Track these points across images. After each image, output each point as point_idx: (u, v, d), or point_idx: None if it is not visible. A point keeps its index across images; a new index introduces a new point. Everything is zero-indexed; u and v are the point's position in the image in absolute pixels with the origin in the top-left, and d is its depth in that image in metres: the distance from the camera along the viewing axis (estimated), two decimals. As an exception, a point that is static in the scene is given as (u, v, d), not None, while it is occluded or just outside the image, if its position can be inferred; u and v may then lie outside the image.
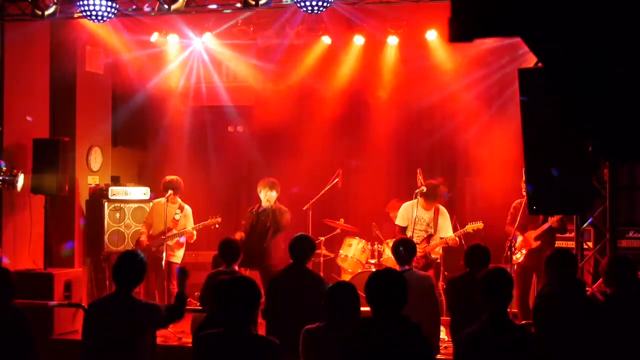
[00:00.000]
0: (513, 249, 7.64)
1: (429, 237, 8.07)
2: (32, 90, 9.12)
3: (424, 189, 8.09)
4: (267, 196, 8.11)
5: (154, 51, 10.10)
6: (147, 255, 8.47)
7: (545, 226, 7.58)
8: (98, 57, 9.88)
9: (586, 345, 4.68)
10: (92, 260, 9.57)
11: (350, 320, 4.14)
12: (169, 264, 8.46)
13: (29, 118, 8.82)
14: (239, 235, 8.10)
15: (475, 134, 9.76)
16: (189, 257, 9.71)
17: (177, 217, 8.52)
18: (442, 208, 8.23)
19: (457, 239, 8.10)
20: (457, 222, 8.62)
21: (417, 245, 7.86)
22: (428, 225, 8.11)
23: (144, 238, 8.58)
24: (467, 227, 8.08)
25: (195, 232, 8.58)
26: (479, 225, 8.03)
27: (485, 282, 4.04)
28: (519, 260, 7.68)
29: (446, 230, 8.13)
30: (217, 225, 8.61)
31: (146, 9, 8.18)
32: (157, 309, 4.58)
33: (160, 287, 8.50)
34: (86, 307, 5.40)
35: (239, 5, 7.92)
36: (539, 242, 7.60)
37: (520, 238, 7.68)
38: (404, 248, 6.12)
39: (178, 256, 8.63)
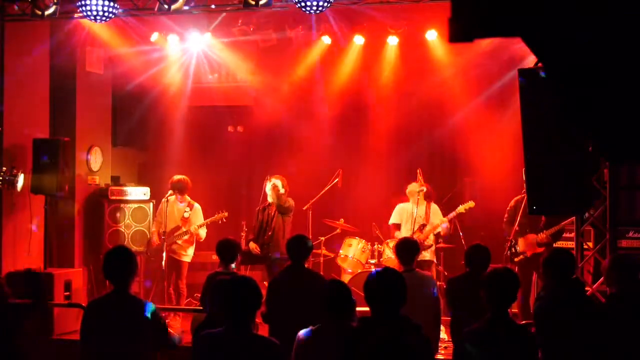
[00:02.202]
0: (513, 249, 7.64)
1: (422, 227, 8.39)
2: (32, 90, 9.12)
3: (424, 189, 8.22)
4: (271, 184, 8.19)
5: (154, 51, 10.10)
6: (160, 254, 8.54)
7: (545, 240, 7.58)
8: (98, 57, 9.88)
9: (587, 345, 4.67)
10: (92, 260, 9.57)
11: (344, 321, 4.15)
12: (180, 262, 8.54)
13: None
14: (252, 245, 8.21)
15: (475, 134, 9.76)
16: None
17: (186, 214, 8.65)
18: (433, 205, 8.61)
19: (442, 225, 8.37)
20: (457, 222, 8.66)
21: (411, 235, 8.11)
22: (421, 218, 8.45)
23: (155, 238, 8.65)
24: (458, 208, 8.35)
25: (201, 232, 8.65)
26: (470, 204, 8.32)
27: (489, 281, 4.04)
28: (521, 261, 7.67)
29: (437, 221, 8.47)
30: (224, 220, 8.66)
31: (146, 9, 8.18)
32: (157, 316, 4.44)
33: (161, 286, 8.55)
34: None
35: (239, 5, 7.91)
36: (542, 249, 7.59)
37: (521, 240, 7.66)
38: (407, 248, 6.12)
39: (189, 254, 8.71)
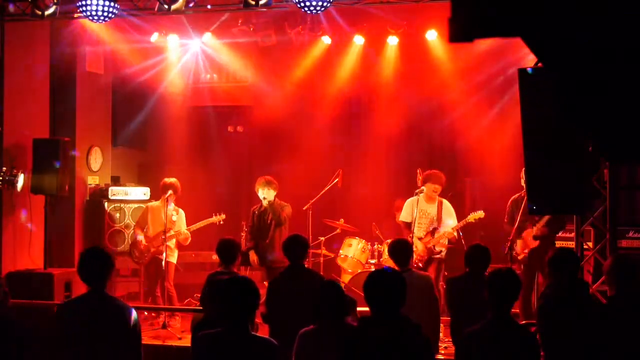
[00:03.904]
0: (513, 251, 7.64)
1: (433, 231, 8.13)
2: (32, 91, 9.12)
3: (424, 189, 8.16)
4: (265, 194, 8.14)
5: (154, 51, 10.10)
6: (147, 256, 8.55)
7: (543, 222, 7.56)
8: (98, 57, 9.88)
9: (588, 346, 4.67)
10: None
11: (343, 320, 4.15)
12: (167, 263, 8.48)
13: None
14: (253, 257, 8.16)
15: (476, 133, 9.76)
16: (189, 257, 9.71)
17: (174, 218, 8.56)
18: (445, 202, 8.28)
19: (454, 233, 8.13)
20: (458, 222, 8.65)
21: (421, 239, 7.99)
22: (432, 220, 8.20)
23: (141, 239, 8.60)
24: (468, 217, 8.11)
25: (189, 235, 8.62)
26: (480, 214, 8.05)
27: (490, 281, 4.04)
28: (522, 260, 7.67)
29: (450, 224, 8.18)
30: (221, 222, 8.64)
31: (146, 9, 8.18)
32: (130, 317, 4.29)
33: (161, 287, 8.51)
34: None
35: (239, 5, 7.91)
36: (537, 242, 7.60)
37: (519, 240, 7.65)
38: (401, 249, 6.11)
39: (175, 256, 8.67)
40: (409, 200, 8.36)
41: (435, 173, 8.25)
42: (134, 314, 4.33)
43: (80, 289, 8.67)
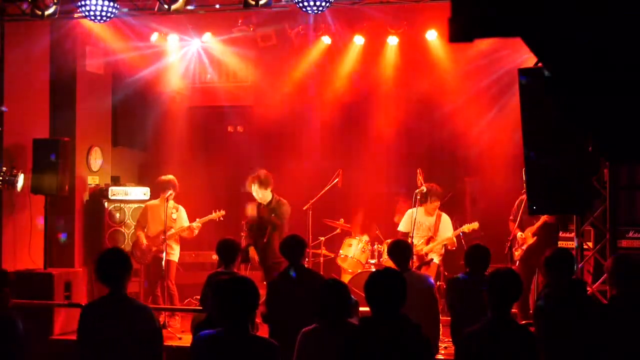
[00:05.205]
0: (514, 248, 7.66)
1: (429, 240, 8.30)
2: (32, 90, 9.12)
3: (424, 189, 8.18)
4: (259, 193, 8.11)
5: (154, 51, 10.10)
6: (149, 256, 8.56)
7: (540, 222, 7.59)
8: (98, 57, 9.87)
9: (587, 345, 4.67)
10: (92, 260, 9.55)
11: (344, 320, 4.15)
12: (168, 262, 8.49)
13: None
14: (252, 253, 8.14)
15: (476, 133, 9.76)
16: (189, 257, 9.71)
17: (174, 216, 8.58)
18: (444, 215, 8.45)
19: (454, 239, 8.24)
20: (457, 222, 8.66)
21: (416, 246, 8.05)
22: (429, 229, 8.35)
23: (143, 239, 8.60)
24: (463, 227, 8.25)
25: (196, 228, 8.62)
26: (474, 225, 8.23)
27: (490, 281, 4.05)
28: (519, 258, 7.69)
29: (446, 235, 8.34)
30: (221, 218, 8.64)
31: (146, 9, 8.18)
32: (152, 318, 4.36)
33: (162, 287, 8.52)
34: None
35: (239, 5, 7.91)
36: (535, 238, 7.62)
37: (519, 234, 7.70)
38: (401, 250, 6.12)
39: (176, 254, 8.67)
40: (409, 212, 8.48)
41: (435, 189, 8.32)
42: (154, 315, 4.34)
43: (80, 289, 8.71)
